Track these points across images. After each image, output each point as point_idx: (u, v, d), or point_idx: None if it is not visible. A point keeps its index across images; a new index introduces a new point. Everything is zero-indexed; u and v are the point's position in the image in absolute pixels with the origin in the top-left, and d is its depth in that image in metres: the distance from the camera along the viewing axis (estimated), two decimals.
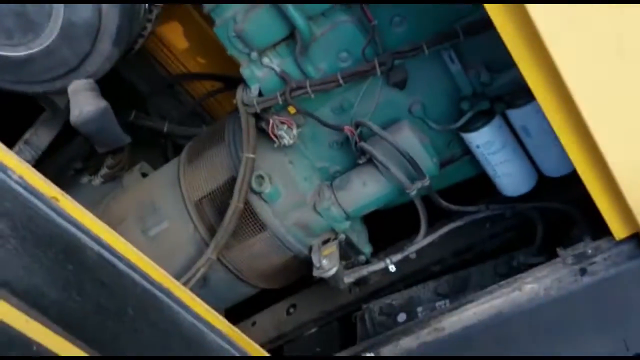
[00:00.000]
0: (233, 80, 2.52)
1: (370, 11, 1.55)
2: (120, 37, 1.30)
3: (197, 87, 2.69)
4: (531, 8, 1.09)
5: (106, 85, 1.60)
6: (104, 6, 1.22)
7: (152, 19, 1.46)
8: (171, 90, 2.63)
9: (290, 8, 1.54)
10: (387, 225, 2.07)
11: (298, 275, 2.05)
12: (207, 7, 1.72)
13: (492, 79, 1.62)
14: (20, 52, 1.27)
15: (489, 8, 1.16)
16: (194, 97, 2.67)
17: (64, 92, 1.37)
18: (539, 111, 1.62)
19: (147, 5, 1.38)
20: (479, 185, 1.87)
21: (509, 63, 1.57)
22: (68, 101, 1.37)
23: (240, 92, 1.81)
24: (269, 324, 2.40)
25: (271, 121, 1.75)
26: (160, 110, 2.52)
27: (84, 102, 1.31)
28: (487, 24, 1.49)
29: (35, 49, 1.27)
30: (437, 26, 1.57)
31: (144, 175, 2.22)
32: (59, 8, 1.20)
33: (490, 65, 1.61)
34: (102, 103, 1.30)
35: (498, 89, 1.63)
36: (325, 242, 1.86)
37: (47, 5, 1.19)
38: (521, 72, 1.22)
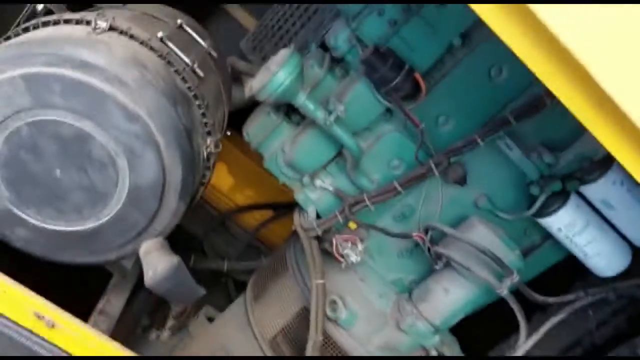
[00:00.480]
0: (281, 206, 2.54)
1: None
2: (185, 191, 1.31)
3: (247, 219, 2.70)
4: (593, 69, 0.99)
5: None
6: (167, 163, 1.23)
7: (210, 166, 1.48)
8: (223, 226, 2.65)
9: (335, 128, 1.55)
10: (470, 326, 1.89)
11: None
12: (254, 144, 1.77)
13: (557, 158, 1.55)
14: (91, 225, 1.29)
15: (546, 80, 1.08)
16: (245, 230, 2.67)
17: (135, 254, 1.36)
18: (616, 181, 1.52)
19: (205, 153, 1.41)
20: (566, 269, 1.71)
21: (571, 138, 1.53)
22: (135, 262, 1.35)
23: (297, 218, 1.79)
24: None
25: (334, 241, 1.70)
26: (216, 249, 2.52)
27: (157, 262, 1.28)
28: (538, 106, 1.47)
29: (105, 219, 1.28)
30: (484, 117, 1.54)
31: (210, 319, 2.15)
32: (125, 175, 1.22)
33: (551, 144, 1.55)
34: (174, 259, 1.28)
35: (566, 166, 1.54)
36: None
37: (112, 174, 1.22)
38: (598, 140, 1.11)
